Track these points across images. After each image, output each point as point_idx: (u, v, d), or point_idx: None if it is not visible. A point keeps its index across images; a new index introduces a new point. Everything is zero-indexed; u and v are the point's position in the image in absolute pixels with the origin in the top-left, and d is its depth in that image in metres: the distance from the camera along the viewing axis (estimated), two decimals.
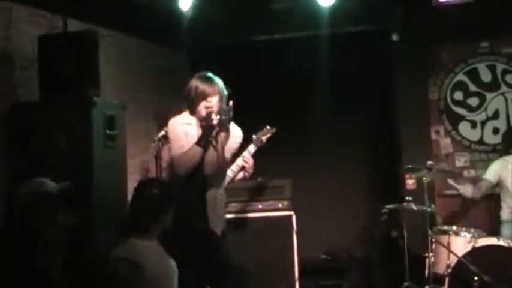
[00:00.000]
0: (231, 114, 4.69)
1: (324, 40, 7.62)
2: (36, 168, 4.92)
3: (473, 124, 7.66)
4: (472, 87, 7.68)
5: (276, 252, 6.47)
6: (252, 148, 5.78)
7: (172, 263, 4.20)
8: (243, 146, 5.36)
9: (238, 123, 4.99)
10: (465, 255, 5.90)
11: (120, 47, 7.03)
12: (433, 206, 6.49)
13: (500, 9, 7.24)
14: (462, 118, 7.64)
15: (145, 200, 4.23)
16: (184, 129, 4.89)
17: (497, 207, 6.76)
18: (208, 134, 4.71)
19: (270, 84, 7.96)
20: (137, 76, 7.38)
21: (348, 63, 7.77)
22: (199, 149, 4.72)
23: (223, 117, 4.67)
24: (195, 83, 4.85)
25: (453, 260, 5.97)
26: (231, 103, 4.73)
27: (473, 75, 7.69)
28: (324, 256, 7.73)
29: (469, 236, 6.12)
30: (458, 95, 7.66)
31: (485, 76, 7.66)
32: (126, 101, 5.98)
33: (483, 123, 7.64)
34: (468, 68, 7.70)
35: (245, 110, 5.06)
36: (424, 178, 6.33)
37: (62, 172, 4.29)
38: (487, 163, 7.21)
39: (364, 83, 8.02)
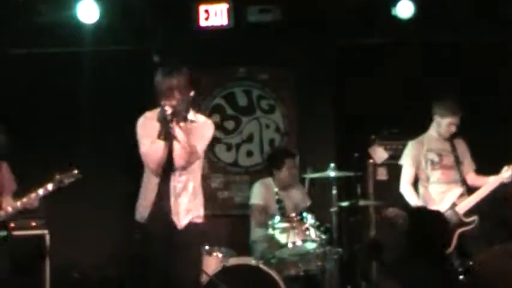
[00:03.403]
0: (188, 104, 4.80)
1: (87, 57, 7.56)
2: None
3: (229, 147, 7.92)
4: (229, 111, 7.96)
5: (28, 272, 6.31)
6: (50, 187, 5.57)
7: None
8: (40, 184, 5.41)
9: None
10: (216, 275, 6.05)
11: None
12: None
13: (257, 36, 7.61)
14: (218, 140, 7.81)
15: None
16: (151, 125, 4.78)
17: (249, 228, 7.06)
18: (165, 127, 4.65)
19: (32, 99, 7.72)
20: None
21: (112, 81, 7.71)
22: (161, 143, 4.68)
23: (178, 108, 4.67)
24: (157, 78, 4.81)
25: (205, 279, 6.04)
26: (191, 93, 4.80)
27: (231, 99, 7.96)
28: (76, 275, 7.56)
29: (220, 255, 6.31)
30: (216, 118, 7.81)
31: (242, 100, 7.97)
32: None
33: (238, 146, 7.93)
34: (226, 92, 7.97)
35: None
36: None
37: None
38: (239, 185, 7.53)
39: (128, 102, 7.98)
